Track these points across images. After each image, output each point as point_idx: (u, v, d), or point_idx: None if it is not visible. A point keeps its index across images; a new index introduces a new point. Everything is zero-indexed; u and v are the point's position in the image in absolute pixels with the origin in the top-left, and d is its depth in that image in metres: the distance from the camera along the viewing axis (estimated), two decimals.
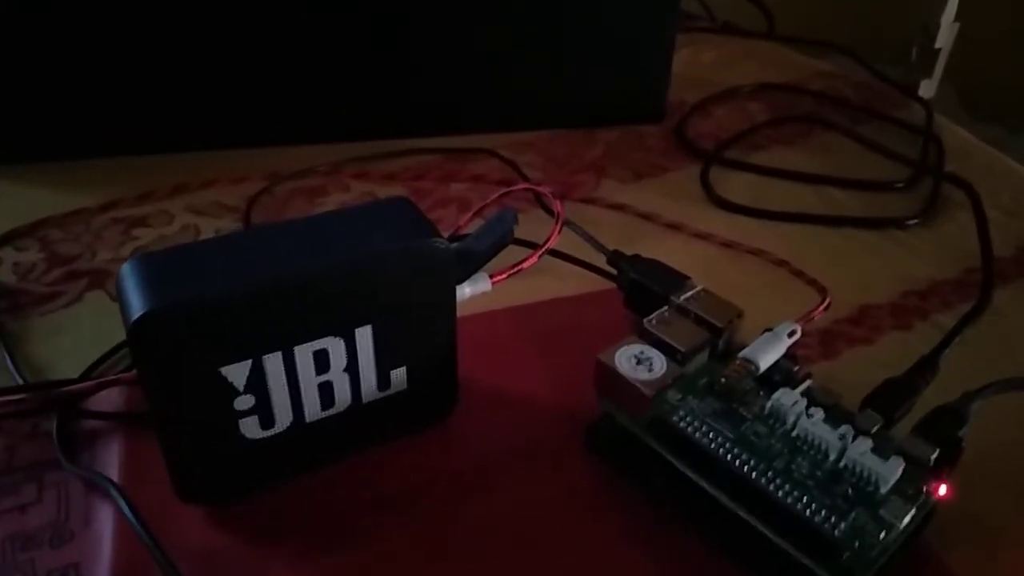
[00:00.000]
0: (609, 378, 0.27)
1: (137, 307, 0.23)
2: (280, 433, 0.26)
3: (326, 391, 0.26)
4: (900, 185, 0.46)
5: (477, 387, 0.31)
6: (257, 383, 0.25)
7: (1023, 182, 0.47)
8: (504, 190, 0.35)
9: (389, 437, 0.29)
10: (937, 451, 0.25)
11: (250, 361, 0.24)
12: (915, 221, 0.43)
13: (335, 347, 0.26)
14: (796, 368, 0.28)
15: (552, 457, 0.29)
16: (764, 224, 0.42)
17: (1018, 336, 0.36)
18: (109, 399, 0.31)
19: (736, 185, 0.46)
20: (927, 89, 0.61)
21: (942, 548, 0.26)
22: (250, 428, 0.26)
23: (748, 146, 0.50)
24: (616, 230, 0.39)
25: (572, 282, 0.37)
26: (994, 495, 0.28)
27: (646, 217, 0.42)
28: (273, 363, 0.25)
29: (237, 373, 0.24)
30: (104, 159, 0.46)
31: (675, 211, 0.43)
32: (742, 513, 0.25)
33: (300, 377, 0.25)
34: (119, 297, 0.24)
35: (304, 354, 0.25)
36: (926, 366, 0.30)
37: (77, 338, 0.34)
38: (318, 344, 0.25)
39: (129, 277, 0.24)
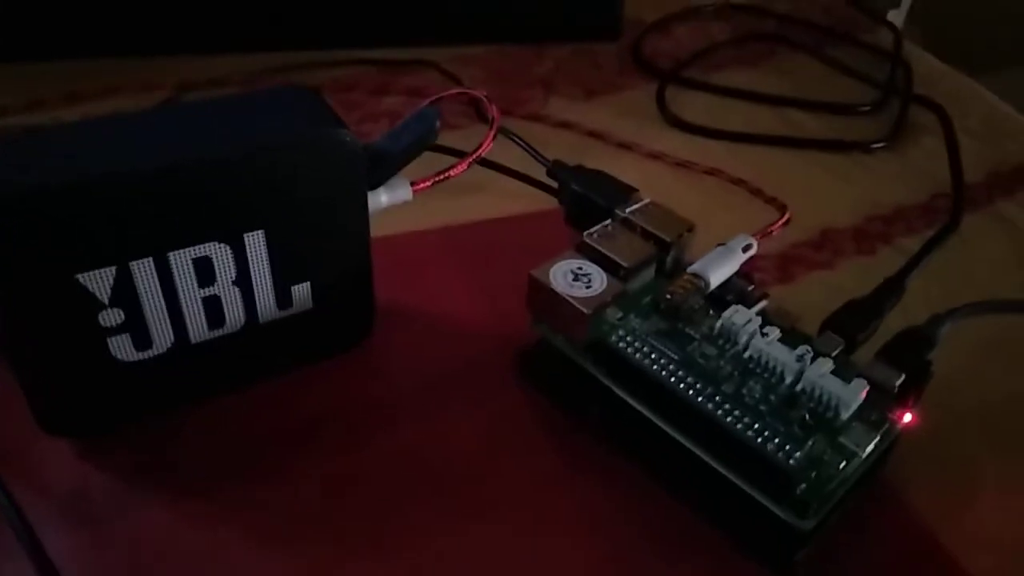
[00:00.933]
0: (543, 297, 0.24)
1: None
2: (160, 355, 0.23)
3: (213, 307, 0.23)
4: (866, 108, 0.43)
5: (398, 312, 0.28)
6: (125, 295, 0.21)
7: (993, 108, 0.45)
8: (435, 96, 0.31)
9: (294, 365, 0.26)
10: (903, 376, 0.23)
11: (114, 268, 0.21)
12: (881, 144, 0.40)
13: (220, 255, 0.22)
14: (751, 288, 0.25)
15: (480, 387, 0.26)
16: (722, 145, 0.39)
17: (985, 264, 0.33)
18: None
19: (694, 106, 0.42)
20: (895, 19, 0.59)
21: (903, 484, 0.24)
22: (122, 349, 0.22)
23: (708, 66, 0.46)
24: (563, 149, 0.35)
25: (510, 202, 0.33)
26: (958, 427, 0.26)
27: (596, 135, 0.39)
28: (143, 271, 0.21)
29: (99, 281, 0.21)
30: None
31: (628, 130, 0.39)
32: (687, 443, 0.22)
33: (179, 289, 0.22)
34: None
35: (182, 262, 0.21)
36: (891, 287, 0.27)
37: None
38: (199, 250, 0.22)
39: None
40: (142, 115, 0.22)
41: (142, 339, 0.22)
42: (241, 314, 0.23)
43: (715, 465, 0.22)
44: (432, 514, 0.23)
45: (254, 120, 0.22)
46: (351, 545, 0.22)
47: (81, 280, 0.20)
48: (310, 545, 0.22)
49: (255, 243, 0.22)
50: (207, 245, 0.22)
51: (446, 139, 0.33)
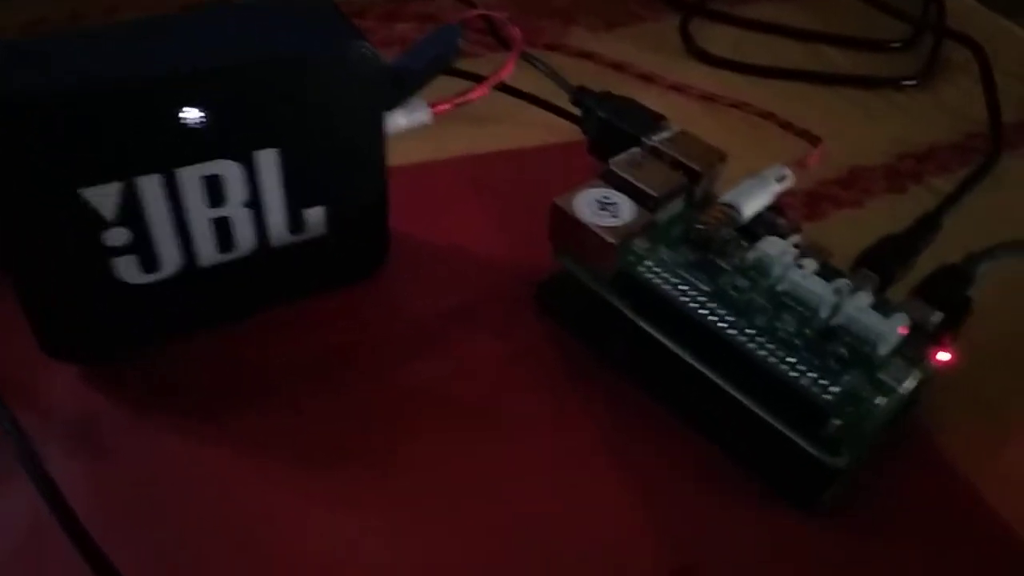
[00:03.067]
0: (567, 226, 0.23)
1: None
2: (168, 278, 0.22)
3: (223, 229, 0.22)
4: (898, 45, 0.41)
5: (413, 242, 0.27)
6: (131, 213, 0.20)
7: None
8: (452, 20, 0.30)
9: (306, 292, 0.25)
10: (940, 314, 0.22)
11: (119, 183, 0.19)
12: (913, 82, 0.38)
13: (231, 173, 0.21)
14: (783, 221, 0.24)
15: (497, 319, 0.25)
16: (748, 80, 0.38)
17: (1020, 204, 0.32)
18: None
19: (719, 39, 0.40)
20: None
21: (935, 423, 0.23)
22: (128, 270, 0.21)
23: None
24: (584, 79, 0.33)
25: (532, 132, 0.32)
26: (993, 370, 0.25)
27: (617, 67, 0.37)
28: (150, 187, 0.20)
29: (103, 197, 0.20)
30: None
31: (650, 62, 0.38)
32: (716, 378, 0.21)
33: (188, 209, 0.21)
34: None
35: (190, 179, 0.20)
36: (928, 224, 0.26)
37: None
38: (208, 168, 0.20)
39: None
40: (149, 23, 0.21)
41: (149, 261, 0.21)
42: (252, 237, 0.22)
43: (745, 401, 0.21)
44: (449, 444, 0.22)
45: (268, 30, 0.21)
46: (365, 474, 0.21)
47: (84, 195, 0.19)
48: (323, 473, 0.21)
49: (268, 163, 0.21)
50: (218, 163, 0.20)
51: (466, 66, 0.32)
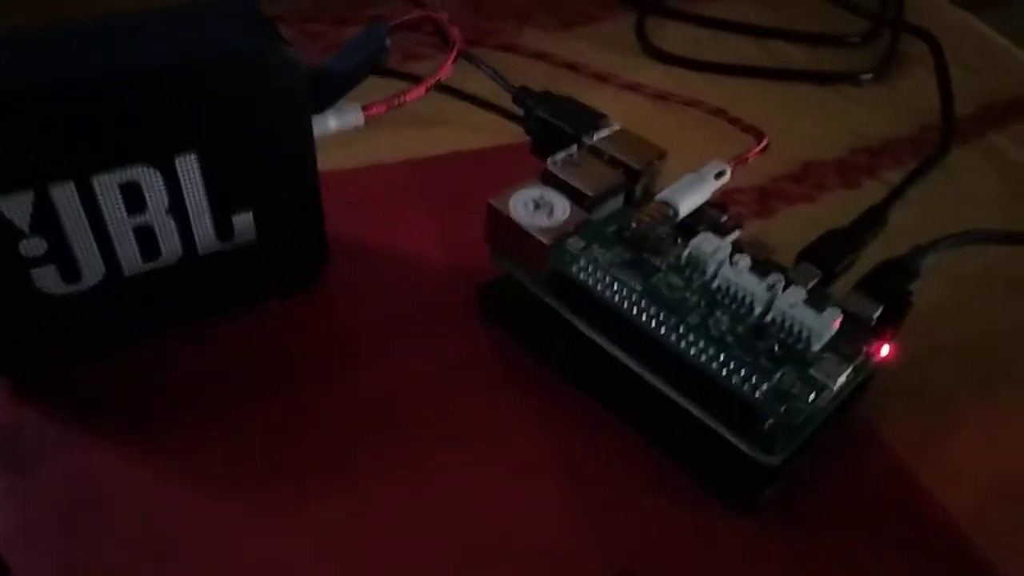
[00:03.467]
0: (502, 227, 0.23)
1: None
2: (91, 288, 0.21)
3: (146, 237, 0.21)
4: (856, 40, 0.41)
5: (354, 247, 0.27)
6: (47, 222, 0.20)
7: (987, 39, 0.43)
8: (395, 21, 0.29)
9: (240, 302, 0.24)
10: (881, 308, 0.21)
11: (31, 192, 0.19)
12: (869, 76, 0.38)
13: (150, 180, 0.20)
14: (724, 218, 0.24)
15: (441, 324, 0.25)
16: (704, 77, 0.37)
17: (973, 197, 0.32)
18: None
19: (675, 37, 0.40)
20: None
21: (879, 419, 0.23)
22: (48, 281, 0.21)
23: None
24: (536, 79, 0.33)
25: (475, 136, 0.32)
26: (938, 362, 0.25)
27: (571, 67, 0.37)
28: (64, 195, 0.19)
29: (17, 207, 0.19)
30: None
31: (605, 62, 0.37)
32: (651, 377, 0.21)
33: (106, 217, 0.20)
34: None
35: (107, 187, 0.20)
36: (873, 217, 0.26)
37: None
38: (125, 174, 0.20)
39: None
40: (64, 27, 0.20)
41: (69, 271, 0.21)
42: (178, 245, 0.22)
43: (680, 400, 0.20)
44: (395, 451, 0.21)
45: (186, 32, 0.20)
46: (309, 486, 0.21)
47: None
48: (263, 488, 0.20)
49: (188, 168, 0.21)
50: (135, 168, 0.20)
51: (412, 68, 0.32)
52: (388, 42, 0.23)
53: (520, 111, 0.28)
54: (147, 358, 0.23)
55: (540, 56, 0.37)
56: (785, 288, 0.20)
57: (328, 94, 0.23)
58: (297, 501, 0.20)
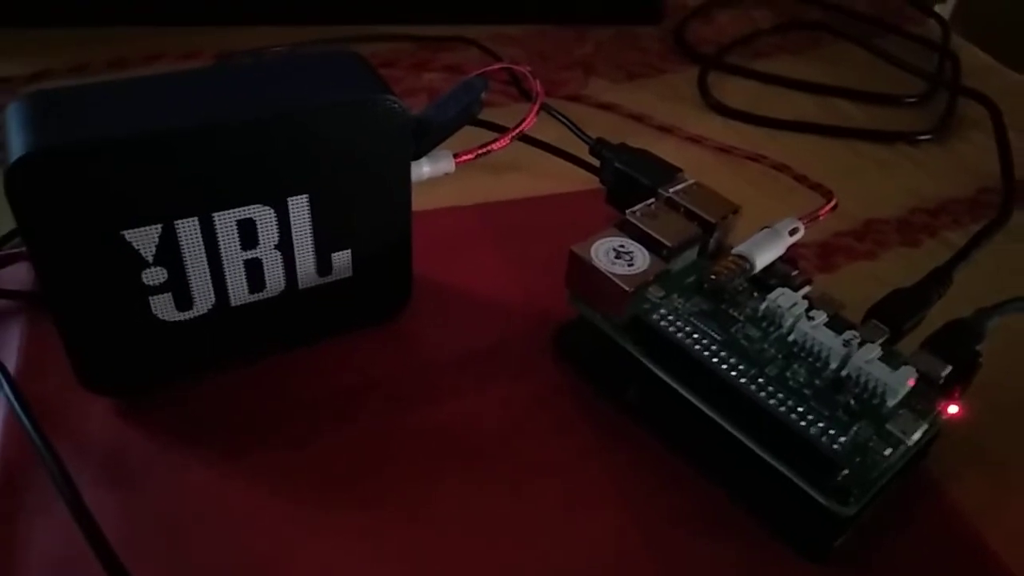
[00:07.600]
0: (583, 273, 0.24)
1: (16, 150, 0.19)
2: (200, 316, 0.23)
3: (255, 270, 0.23)
4: (913, 99, 0.42)
5: (435, 285, 0.28)
6: (169, 254, 0.21)
7: None
8: (476, 72, 0.31)
9: (331, 332, 0.26)
10: (950, 367, 0.22)
11: (159, 226, 0.21)
12: (928, 136, 0.39)
13: (264, 218, 0.22)
14: (795, 272, 0.25)
15: (515, 363, 0.26)
16: (764, 132, 0.39)
17: None
18: (16, 276, 0.27)
19: (736, 92, 0.42)
20: (942, 12, 0.57)
21: (944, 476, 0.24)
22: (164, 308, 0.22)
23: (751, 53, 0.46)
24: (603, 130, 0.35)
25: (551, 182, 0.33)
26: (1001, 424, 0.25)
27: (637, 118, 0.38)
28: (188, 230, 0.21)
29: (144, 239, 0.21)
30: (38, 29, 0.41)
31: (669, 114, 0.39)
32: (727, 425, 0.22)
33: (222, 251, 0.22)
34: (5, 141, 0.20)
35: (226, 223, 0.21)
36: (939, 278, 0.27)
37: None
38: (243, 212, 0.22)
39: (15, 117, 0.20)
40: (188, 75, 0.22)
41: (183, 299, 0.22)
42: (282, 279, 0.23)
43: (756, 448, 0.21)
44: (464, 486, 0.22)
45: (299, 83, 0.22)
46: (382, 514, 0.22)
47: (127, 237, 0.20)
48: (341, 512, 0.22)
49: (299, 208, 0.22)
50: (252, 207, 0.22)
51: (487, 116, 0.33)
52: (484, 96, 0.24)
53: (596, 161, 0.30)
54: (243, 382, 0.24)
55: (606, 107, 0.39)
56: (860, 345, 0.21)
57: (427, 142, 0.24)
58: (373, 526, 0.21)
